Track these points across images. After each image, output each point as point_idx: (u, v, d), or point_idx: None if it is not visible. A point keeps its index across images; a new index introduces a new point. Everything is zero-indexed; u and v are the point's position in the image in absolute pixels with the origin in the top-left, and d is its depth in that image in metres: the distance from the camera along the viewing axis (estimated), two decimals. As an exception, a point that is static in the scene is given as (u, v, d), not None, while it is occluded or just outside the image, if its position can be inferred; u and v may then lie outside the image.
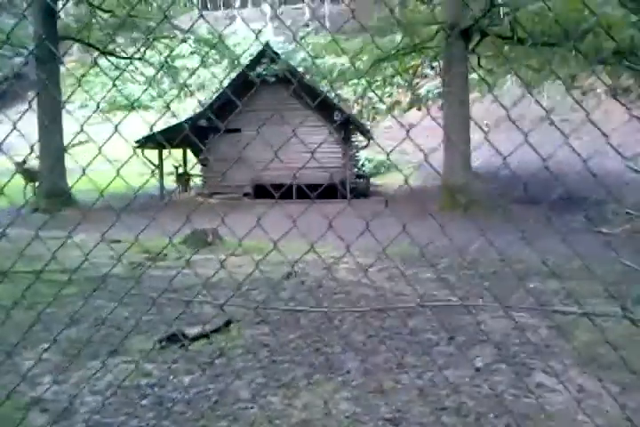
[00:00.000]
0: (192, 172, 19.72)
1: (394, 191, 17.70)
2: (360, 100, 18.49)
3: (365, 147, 17.86)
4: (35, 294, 5.06)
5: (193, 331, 4.12)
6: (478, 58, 15.46)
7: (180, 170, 20.32)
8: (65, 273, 5.83)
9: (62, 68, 16.18)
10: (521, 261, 6.22)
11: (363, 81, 19.44)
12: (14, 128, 1.72)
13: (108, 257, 6.70)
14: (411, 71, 17.49)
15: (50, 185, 14.62)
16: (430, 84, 21.20)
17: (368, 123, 18.34)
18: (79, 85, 1.50)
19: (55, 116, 15.03)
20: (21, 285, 5.42)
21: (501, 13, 14.29)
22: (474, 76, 15.29)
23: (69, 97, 2.17)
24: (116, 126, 1.57)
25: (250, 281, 5.79)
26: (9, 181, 1.97)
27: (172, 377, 3.43)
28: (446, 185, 13.05)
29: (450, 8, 13.62)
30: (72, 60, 36.88)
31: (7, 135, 1.87)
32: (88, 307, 4.76)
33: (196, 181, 19.22)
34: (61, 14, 15.80)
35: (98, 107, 1.61)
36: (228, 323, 4.34)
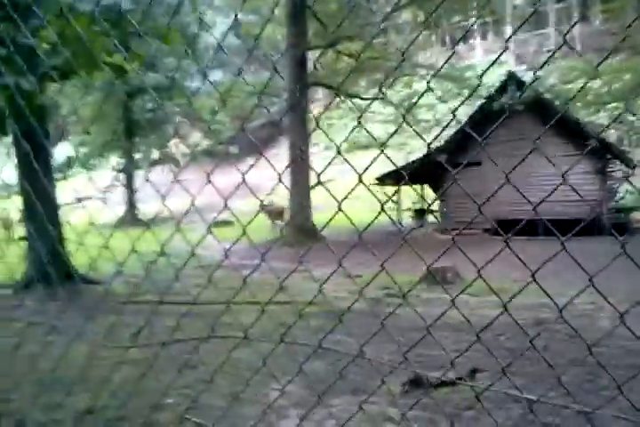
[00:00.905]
0: (430, 207, 19.67)
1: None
2: (620, 125, 16.39)
3: (628, 177, 15.66)
4: (282, 325, 5.35)
5: (436, 376, 3.83)
6: None
7: (418, 206, 20.47)
8: (310, 305, 6.10)
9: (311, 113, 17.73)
10: None
11: (621, 104, 17.29)
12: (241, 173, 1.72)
13: (349, 291, 6.83)
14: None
15: (298, 221, 15.94)
16: None
17: (630, 149, 16.08)
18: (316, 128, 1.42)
19: (301, 157, 16.47)
20: (272, 315, 5.78)
21: None
22: None
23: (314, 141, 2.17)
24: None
25: (496, 326, 5.28)
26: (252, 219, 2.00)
27: (415, 426, 3.18)
28: None
29: None
30: (319, 104, 40.56)
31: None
32: (329, 341, 4.81)
33: (434, 217, 19.07)
34: (309, 62, 17.34)
35: (338, 151, 1.52)
36: (474, 371, 3.94)
